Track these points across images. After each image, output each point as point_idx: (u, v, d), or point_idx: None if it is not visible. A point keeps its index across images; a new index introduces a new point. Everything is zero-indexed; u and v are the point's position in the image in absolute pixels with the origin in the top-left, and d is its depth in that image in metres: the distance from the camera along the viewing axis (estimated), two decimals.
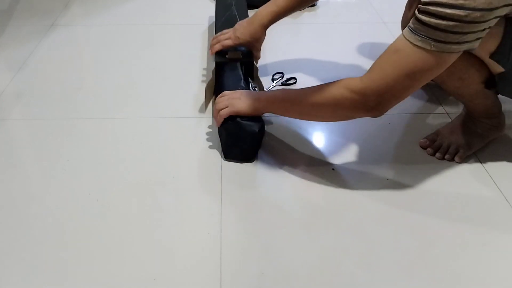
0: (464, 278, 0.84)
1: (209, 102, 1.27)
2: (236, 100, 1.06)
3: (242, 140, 1.06)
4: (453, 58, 0.84)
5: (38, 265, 0.85)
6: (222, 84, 1.19)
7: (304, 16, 1.76)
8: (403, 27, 0.96)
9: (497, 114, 1.11)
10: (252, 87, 1.19)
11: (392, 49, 0.86)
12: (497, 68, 0.96)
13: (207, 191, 1.01)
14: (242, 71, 1.22)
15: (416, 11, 0.81)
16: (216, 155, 1.09)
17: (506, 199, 0.99)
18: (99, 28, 1.68)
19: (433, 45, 0.80)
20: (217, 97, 1.11)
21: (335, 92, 0.93)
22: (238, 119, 1.05)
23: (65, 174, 1.05)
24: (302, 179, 1.04)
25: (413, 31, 0.82)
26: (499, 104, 1.10)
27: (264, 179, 1.04)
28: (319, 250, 0.88)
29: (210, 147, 1.12)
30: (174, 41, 1.59)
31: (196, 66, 1.44)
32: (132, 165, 1.07)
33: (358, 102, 0.90)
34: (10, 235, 0.91)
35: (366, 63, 1.43)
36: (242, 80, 1.17)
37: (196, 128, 1.18)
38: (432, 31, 0.79)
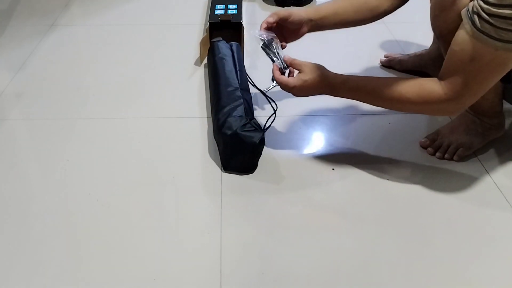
0: (463, 278, 0.84)
1: (203, 57, 1.43)
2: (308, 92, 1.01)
3: (241, 151, 1.02)
4: None
5: (37, 265, 0.85)
6: (217, 81, 1.19)
7: None
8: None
9: (498, 113, 1.11)
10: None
11: (467, 58, 0.85)
12: None
13: (207, 191, 1.01)
14: (235, 64, 1.24)
15: (485, 14, 0.78)
16: (216, 155, 1.09)
17: (506, 199, 0.99)
18: (99, 28, 1.68)
19: None
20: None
21: (416, 102, 0.94)
22: (237, 130, 1.00)
23: (65, 174, 1.05)
24: (302, 179, 1.04)
25: (489, 36, 0.80)
26: (502, 104, 1.10)
27: (264, 178, 1.04)
28: (319, 250, 0.88)
29: (210, 146, 1.12)
30: (174, 41, 1.59)
31: (196, 66, 1.44)
32: (132, 165, 1.07)
33: (442, 110, 0.95)
34: (9, 235, 0.91)
35: (366, 63, 1.43)
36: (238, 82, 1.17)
37: (196, 128, 1.18)
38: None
